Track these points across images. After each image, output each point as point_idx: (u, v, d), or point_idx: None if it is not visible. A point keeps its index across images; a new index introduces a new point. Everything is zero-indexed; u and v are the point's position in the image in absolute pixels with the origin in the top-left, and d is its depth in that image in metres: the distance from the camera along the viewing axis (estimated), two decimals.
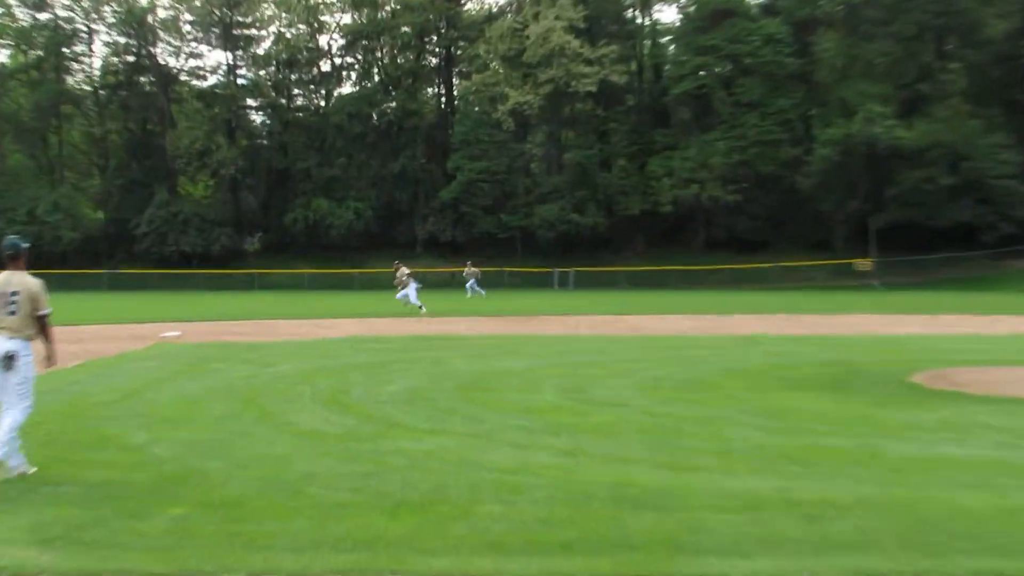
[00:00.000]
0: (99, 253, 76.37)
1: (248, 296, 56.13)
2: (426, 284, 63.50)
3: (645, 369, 15.02)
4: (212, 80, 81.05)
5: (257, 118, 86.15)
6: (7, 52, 78.77)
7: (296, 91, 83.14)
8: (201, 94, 78.96)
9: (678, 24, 74.79)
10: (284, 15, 79.10)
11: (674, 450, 8.53)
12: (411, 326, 26.20)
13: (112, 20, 77.47)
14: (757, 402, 11.49)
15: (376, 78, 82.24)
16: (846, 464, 7.94)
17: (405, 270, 35.11)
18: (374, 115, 79.62)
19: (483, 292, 48.05)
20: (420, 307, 33.27)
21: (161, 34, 78.41)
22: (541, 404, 11.26)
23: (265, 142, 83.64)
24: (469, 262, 51.21)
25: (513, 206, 73.32)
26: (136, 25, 76.66)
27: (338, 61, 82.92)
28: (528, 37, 70.22)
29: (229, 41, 78.44)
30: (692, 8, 71.33)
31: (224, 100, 77.43)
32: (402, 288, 34.72)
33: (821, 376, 14.14)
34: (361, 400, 11.57)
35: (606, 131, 75.03)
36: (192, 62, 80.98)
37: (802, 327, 25.50)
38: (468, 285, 48.75)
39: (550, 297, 51.75)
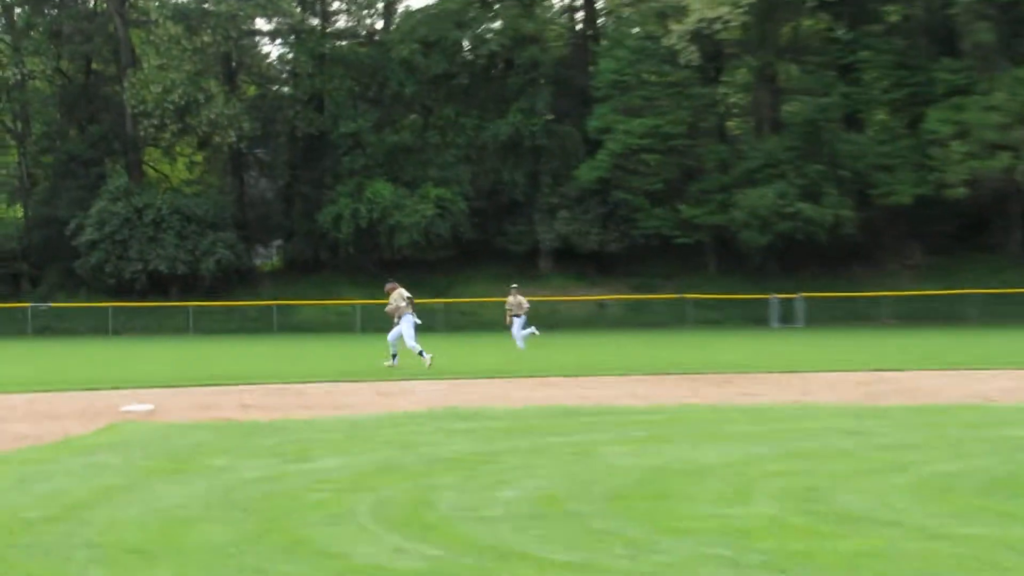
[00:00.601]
0: (18, 275, 77.41)
1: (262, 343, 56.88)
2: (559, 321, 63.73)
3: (926, 461, 14.77)
4: None
5: (273, 51, 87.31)
6: None
7: (336, 5, 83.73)
8: (180, 12, 78.25)
9: None
10: None
11: None
12: (532, 392, 26.17)
13: None
14: None
15: None
16: None
17: (403, 294, 35.12)
18: (465, 44, 79.99)
19: (522, 338, 47.00)
20: (420, 353, 33.98)
21: None
22: (753, 521, 11.12)
23: (287, 90, 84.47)
24: (515, 286, 49.75)
25: (700, 191, 73.14)
26: None
27: None
28: None
29: None
30: None
31: (219, 22, 77.16)
32: (396, 321, 34.79)
33: None
34: (455, 516, 11.56)
35: (853, 65, 74.29)
36: None
37: None
38: (517, 329, 47.36)
39: (765, 341, 51.35)
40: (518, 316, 47.12)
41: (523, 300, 47.45)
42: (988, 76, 69.03)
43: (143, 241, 73.29)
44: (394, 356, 34.41)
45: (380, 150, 77.24)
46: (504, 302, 48.91)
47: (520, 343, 46.19)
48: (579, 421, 19.81)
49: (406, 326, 34.63)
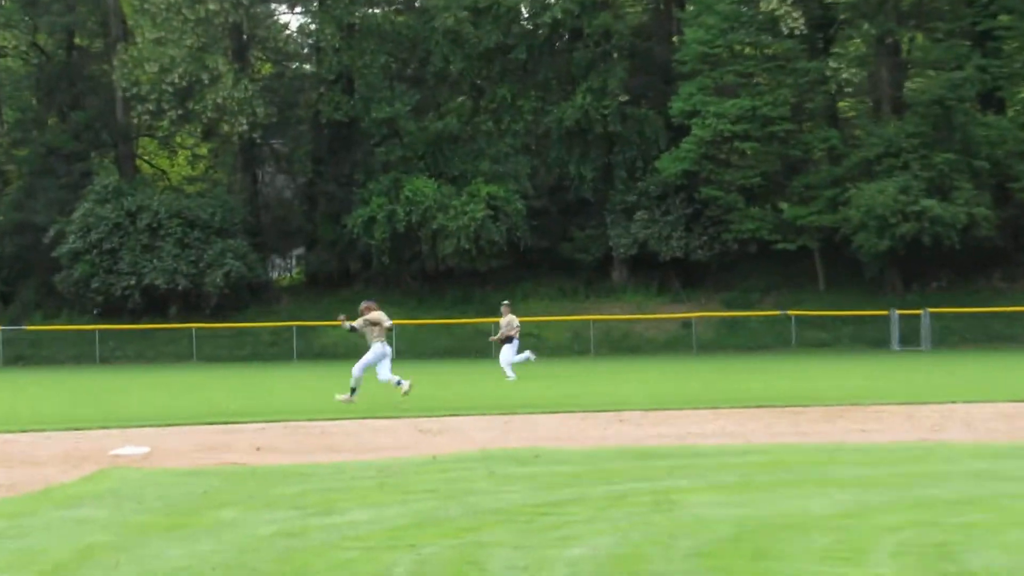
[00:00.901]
0: None
1: (280, 373, 57.09)
2: (636, 344, 63.84)
3: None
4: None
5: (292, 21, 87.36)
6: None
7: None
8: None
9: None
10: None
11: None
12: (604, 429, 26.19)
13: None
14: None
15: None
16: None
17: (385, 321, 35.17)
18: (524, 11, 80.00)
19: (509, 365, 47.05)
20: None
21: None
22: None
23: (309, 69, 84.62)
24: (506, 303, 49.84)
25: (806, 187, 73.02)
26: None
27: None
28: None
29: None
30: None
31: None
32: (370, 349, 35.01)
33: None
34: None
35: (991, 32, 74.00)
36: None
37: None
38: (508, 355, 47.74)
39: (883, 366, 51.26)
40: (507, 340, 47.19)
41: (514, 319, 47.53)
42: None
43: (137, 251, 72.69)
44: (405, 387, 34.41)
45: (421, 140, 77.07)
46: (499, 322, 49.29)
47: (509, 372, 46.17)
48: (659, 464, 19.81)
49: (372, 355, 34.84)
